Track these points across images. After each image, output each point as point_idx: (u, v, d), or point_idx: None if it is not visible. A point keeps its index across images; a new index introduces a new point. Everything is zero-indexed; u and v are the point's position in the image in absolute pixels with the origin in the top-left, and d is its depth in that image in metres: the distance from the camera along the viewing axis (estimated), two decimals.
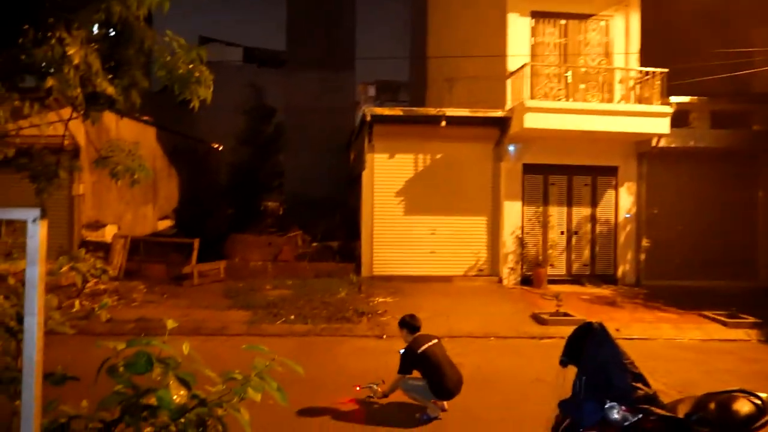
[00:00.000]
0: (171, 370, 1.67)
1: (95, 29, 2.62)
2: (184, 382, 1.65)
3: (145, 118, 17.92)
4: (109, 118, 13.70)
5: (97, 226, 12.49)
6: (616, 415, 2.88)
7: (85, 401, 1.90)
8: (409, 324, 5.54)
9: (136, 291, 11.03)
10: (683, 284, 12.27)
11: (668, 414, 2.96)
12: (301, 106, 31.89)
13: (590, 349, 3.06)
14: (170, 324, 2.02)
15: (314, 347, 7.80)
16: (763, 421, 3.21)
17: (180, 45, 2.53)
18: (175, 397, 1.62)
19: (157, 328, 8.92)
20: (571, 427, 3.00)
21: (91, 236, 12.38)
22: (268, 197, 24.24)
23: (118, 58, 2.87)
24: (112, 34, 2.70)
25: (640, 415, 2.90)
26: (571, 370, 3.19)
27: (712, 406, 3.21)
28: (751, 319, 9.24)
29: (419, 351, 5.22)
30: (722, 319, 9.31)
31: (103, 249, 12.16)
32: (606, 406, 2.89)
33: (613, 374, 2.96)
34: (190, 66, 2.48)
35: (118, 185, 13.85)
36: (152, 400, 1.78)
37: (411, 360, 5.23)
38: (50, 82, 2.28)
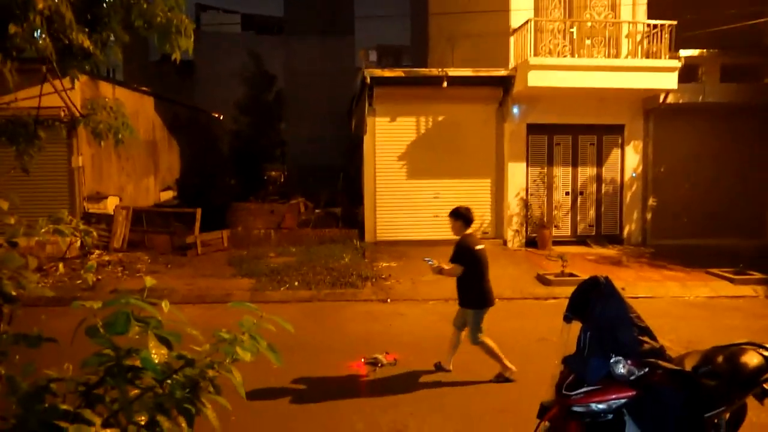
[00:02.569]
0: (151, 329, 1.58)
1: None
2: (164, 341, 1.57)
3: (144, 88, 17.67)
4: (105, 87, 13.50)
5: (99, 198, 12.43)
6: (621, 369, 2.80)
7: (67, 364, 1.83)
8: (465, 216, 5.31)
9: (140, 262, 11.03)
10: (690, 243, 12.14)
11: (675, 367, 2.88)
12: (302, 73, 31.40)
13: (596, 303, 2.97)
14: (149, 282, 1.91)
15: (319, 312, 7.79)
16: None
17: None
18: (154, 356, 1.53)
19: (161, 297, 8.92)
20: (577, 383, 2.93)
21: (93, 208, 12.32)
22: (271, 166, 24.05)
23: (95, 11, 2.70)
24: None
25: (647, 369, 2.83)
26: (576, 326, 3.11)
27: (720, 359, 3.14)
28: (758, 275, 9.18)
29: (475, 248, 5.12)
30: (729, 276, 9.24)
31: (105, 221, 12.13)
32: (611, 361, 2.82)
33: (619, 328, 2.87)
34: (169, 14, 2.32)
35: (118, 156, 13.67)
36: (137, 362, 1.71)
37: (465, 253, 5.10)
38: (13, 28, 2.14)
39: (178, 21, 2.36)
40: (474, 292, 5.08)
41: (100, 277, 9.85)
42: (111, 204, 12.60)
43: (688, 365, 3.05)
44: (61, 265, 8.78)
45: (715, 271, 9.56)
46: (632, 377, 2.81)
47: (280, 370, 5.37)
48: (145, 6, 2.28)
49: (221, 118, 24.15)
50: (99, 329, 1.68)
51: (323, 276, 9.35)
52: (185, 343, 1.92)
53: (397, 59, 39.48)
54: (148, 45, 49.95)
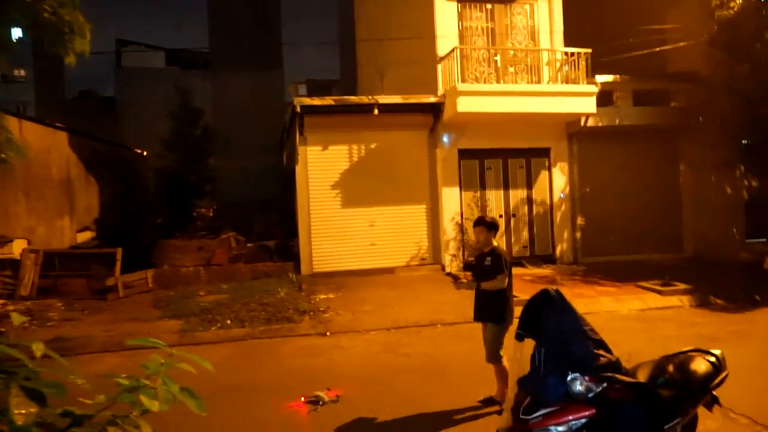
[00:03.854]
0: (17, 381, 1.22)
1: None
2: (35, 396, 1.21)
3: (58, 124, 16.52)
4: (10, 122, 12.43)
5: (3, 241, 11.28)
6: (579, 386, 2.65)
7: None
8: (494, 224, 5.09)
9: (52, 309, 10.01)
10: (618, 259, 12.63)
11: (633, 380, 2.77)
12: (230, 107, 30.72)
13: (548, 318, 2.82)
14: (16, 319, 1.55)
15: (254, 351, 7.29)
16: (721, 376, 3.11)
17: None
18: (17, 416, 1.17)
19: (76, 347, 8.09)
20: (534, 406, 2.74)
21: None
22: (200, 202, 23.12)
23: None
24: None
25: (605, 384, 2.69)
26: (529, 345, 2.95)
27: (671, 368, 3.07)
28: (683, 286, 9.60)
29: (509, 260, 4.91)
30: (657, 288, 9.60)
31: (11, 266, 11.00)
32: (569, 378, 2.65)
33: (574, 342, 2.73)
34: (60, 10, 1.99)
35: (26, 196, 12.54)
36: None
37: (506, 262, 4.81)
38: None
39: (72, 19, 2.04)
40: (504, 305, 4.79)
41: (2, 329, 8.80)
42: (17, 248, 11.48)
43: (642, 376, 2.96)
44: None
45: (644, 284, 9.91)
46: (591, 394, 2.66)
47: (212, 417, 4.87)
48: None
49: (145, 154, 23.03)
50: None
51: (258, 312, 8.83)
52: (79, 395, 1.56)
53: (326, 93, 39.67)
54: (64, 80, 47.59)
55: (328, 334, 7.97)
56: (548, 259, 12.79)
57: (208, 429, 4.64)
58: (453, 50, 11.43)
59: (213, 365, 6.18)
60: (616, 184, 13.19)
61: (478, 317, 5.01)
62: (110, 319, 9.15)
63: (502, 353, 4.80)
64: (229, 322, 8.42)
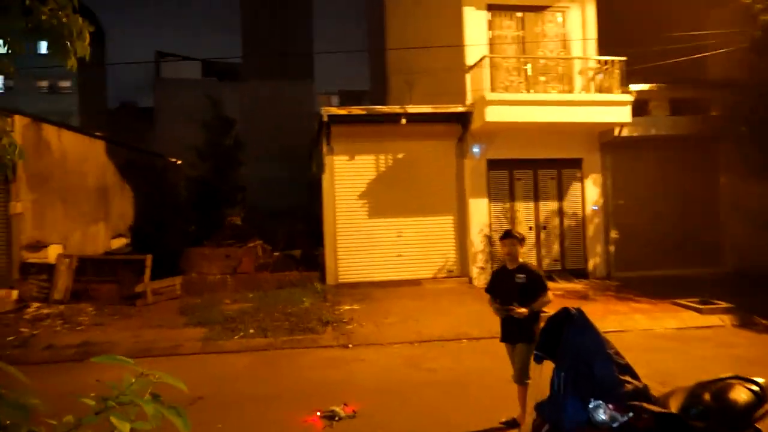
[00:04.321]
0: None
1: None
2: None
3: (98, 133, 17.01)
4: (49, 130, 12.87)
5: (39, 246, 11.60)
6: (602, 415, 2.45)
7: None
8: (524, 238, 4.85)
9: (83, 314, 10.21)
10: (654, 274, 12.13)
11: (663, 410, 2.54)
12: (262, 118, 31.25)
13: (569, 339, 2.63)
14: None
15: (275, 361, 7.22)
16: (764, 409, 2.84)
17: None
18: None
19: (101, 352, 8.20)
20: None
21: (33, 257, 11.48)
22: (231, 211, 23.44)
23: None
24: None
25: (631, 414, 2.48)
26: (549, 367, 2.76)
27: (707, 396, 2.82)
28: (724, 305, 9.11)
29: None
30: (696, 306, 9.15)
31: (47, 271, 11.29)
32: (590, 406, 2.46)
33: (597, 367, 2.53)
34: (59, 13, 1.96)
35: (63, 202, 12.92)
36: None
37: (544, 278, 4.61)
38: None
39: (72, 22, 2.00)
40: (538, 323, 4.44)
41: (35, 331, 9.02)
42: (53, 252, 11.78)
43: (674, 405, 2.72)
44: None
45: (682, 301, 9.46)
46: (615, 424, 2.45)
47: (225, 428, 4.81)
48: (27, 2, 1.92)
49: (179, 163, 23.53)
50: None
51: (281, 322, 8.79)
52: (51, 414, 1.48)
53: (358, 103, 39.99)
54: (106, 91, 49.34)
55: (350, 346, 7.85)
56: (580, 273, 12.39)
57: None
58: (482, 59, 11.26)
59: (233, 375, 6.16)
60: (651, 196, 12.72)
61: (509, 339, 4.64)
62: (137, 325, 9.26)
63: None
64: (252, 331, 8.40)
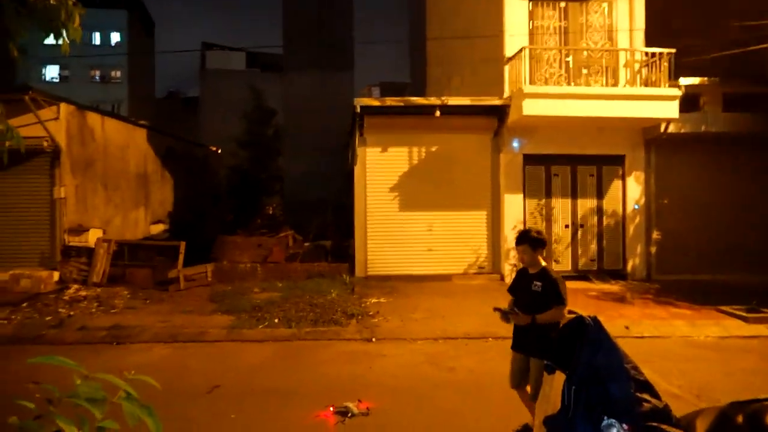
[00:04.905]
0: None
1: None
2: None
3: (142, 121, 17.48)
4: (92, 118, 13.26)
5: (80, 230, 11.99)
6: None
7: None
8: (540, 241, 4.17)
9: (118, 297, 10.51)
10: (697, 278, 11.54)
11: None
12: (302, 109, 31.47)
13: (582, 351, 2.42)
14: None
15: (296, 353, 7.19)
16: None
17: None
18: None
19: (131, 335, 8.39)
20: None
21: (74, 241, 11.88)
22: (268, 201, 23.74)
23: None
24: None
25: None
26: (560, 378, 2.56)
27: (741, 419, 2.54)
28: None
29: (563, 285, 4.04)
30: (741, 314, 8.60)
31: (86, 254, 11.67)
32: (603, 425, 2.25)
33: (612, 383, 2.31)
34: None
35: (105, 188, 13.31)
36: None
37: (565, 288, 4.00)
38: None
39: (63, 4, 1.94)
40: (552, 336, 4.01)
41: (72, 312, 9.31)
42: (93, 237, 12.16)
43: (701, 428, 2.46)
44: None
45: (726, 308, 8.92)
46: None
47: (238, 419, 4.79)
48: None
49: (219, 152, 23.96)
50: None
51: (306, 313, 8.77)
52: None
53: (399, 95, 39.77)
54: (155, 81, 50.84)
55: (373, 340, 7.75)
56: (617, 274, 11.90)
57: (236, 428, 4.56)
58: (521, 50, 10.89)
59: (253, 365, 6.08)
60: (698, 196, 12.07)
61: (520, 348, 4.20)
62: (168, 310, 9.44)
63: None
64: (276, 321, 8.42)
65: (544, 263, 4.17)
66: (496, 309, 4.09)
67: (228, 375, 6.12)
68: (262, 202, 21.50)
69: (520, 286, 4.24)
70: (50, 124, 11.63)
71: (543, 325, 3.93)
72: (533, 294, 4.05)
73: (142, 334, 7.98)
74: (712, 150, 12.03)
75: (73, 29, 2.05)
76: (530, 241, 4.15)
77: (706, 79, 11.58)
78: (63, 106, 12.02)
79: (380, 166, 11.97)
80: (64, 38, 2.07)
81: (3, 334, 8.05)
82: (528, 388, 4.15)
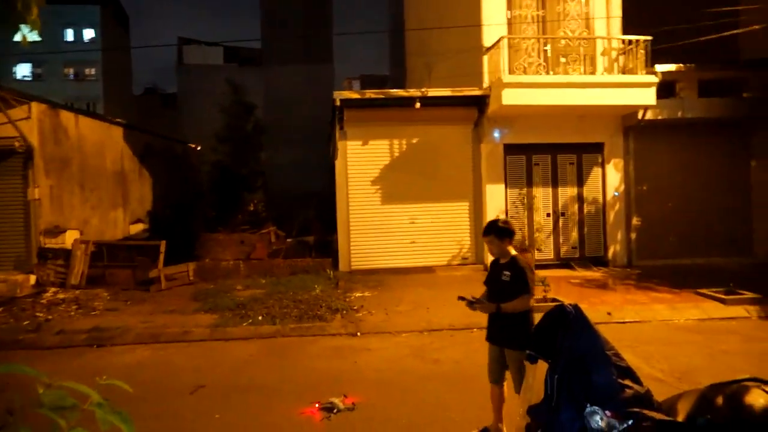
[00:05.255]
0: None
1: None
2: None
3: (119, 120, 17.14)
4: (66, 116, 12.96)
5: (56, 232, 11.73)
6: (599, 422, 2.24)
7: None
8: (508, 230, 4.11)
9: (98, 299, 10.31)
10: (677, 263, 11.72)
11: (666, 418, 2.31)
12: (281, 101, 31.18)
13: (564, 339, 2.42)
14: None
15: (281, 349, 7.13)
16: None
17: None
18: None
19: (112, 337, 8.24)
20: None
21: (50, 243, 11.63)
22: (250, 196, 23.49)
23: None
24: None
25: (630, 421, 2.26)
26: (543, 367, 2.55)
27: (720, 401, 2.57)
28: (750, 295, 8.69)
29: (533, 275, 3.97)
30: (720, 296, 8.75)
31: (63, 256, 11.43)
32: (586, 411, 2.25)
33: (594, 370, 2.31)
34: None
35: (81, 188, 13.03)
36: None
37: (532, 278, 3.90)
38: None
39: None
40: (529, 326, 3.76)
41: (50, 316, 9.12)
42: (70, 238, 11.92)
43: (682, 411, 2.48)
44: None
45: (705, 291, 9.07)
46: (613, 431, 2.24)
47: (223, 418, 4.73)
48: None
49: (199, 148, 23.64)
50: None
51: (290, 309, 8.70)
52: None
53: (380, 87, 39.60)
54: (131, 78, 49.90)
55: (358, 334, 7.73)
56: (599, 261, 12.03)
57: (217, 431, 4.50)
58: (499, 40, 10.88)
59: (237, 363, 6.01)
60: (676, 182, 12.23)
61: (493, 339, 4.12)
62: (150, 311, 9.30)
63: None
64: (260, 318, 8.34)
65: (514, 252, 4.11)
66: (460, 298, 4.01)
67: (213, 373, 6.04)
68: (244, 198, 21.27)
69: (492, 278, 4.19)
70: (22, 124, 11.34)
71: (510, 315, 3.86)
72: (503, 284, 3.99)
73: (124, 336, 7.85)
74: (690, 135, 12.18)
75: (32, 21, 1.96)
76: (496, 231, 4.10)
77: (682, 65, 11.70)
78: (34, 105, 11.73)
79: (361, 160, 11.90)
80: (22, 31, 1.98)
81: None
82: (506, 387, 4.10)
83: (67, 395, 1.37)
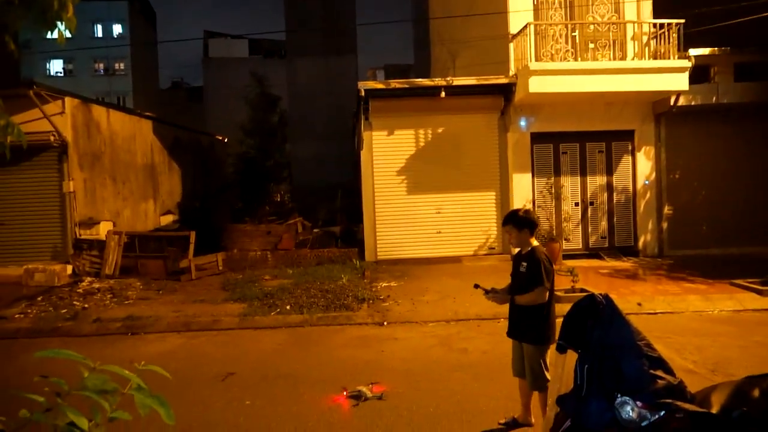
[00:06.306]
0: None
1: None
2: None
3: (148, 113, 17.47)
4: (98, 111, 13.27)
5: (90, 223, 12.07)
6: (630, 413, 2.21)
7: None
8: (531, 221, 4.04)
9: (131, 288, 10.59)
10: (710, 252, 11.42)
11: (700, 410, 2.28)
12: (305, 93, 31.30)
13: (594, 329, 2.39)
14: None
15: (308, 338, 7.24)
16: None
17: None
18: None
19: (145, 326, 8.48)
20: (574, 429, 2.34)
21: (85, 234, 11.97)
22: (276, 188, 23.75)
23: None
24: None
25: (663, 412, 2.22)
26: (572, 357, 2.54)
27: (757, 393, 2.51)
28: None
29: (551, 267, 3.86)
30: (756, 287, 8.51)
31: (98, 247, 11.76)
32: (616, 402, 2.23)
33: (624, 360, 2.28)
34: None
35: (113, 180, 13.37)
36: None
37: (551, 270, 3.81)
38: None
39: None
40: (546, 321, 3.82)
41: (86, 305, 9.41)
42: (104, 229, 12.24)
43: (716, 403, 2.44)
44: None
45: (740, 282, 8.83)
46: (644, 423, 2.21)
47: (253, 405, 4.83)
48: None
49: (225, 140, 23.96)
50: None
51: (317, 299, 8.80)
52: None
53: (404, 77, 39.42)
54: (158, 72, 50.78)
55: (384, 323, 7.77)
56: (629, 251, 11.81)
57: (247, 418, 4.60)
58: (526, 26, 10.70)
59: (266, 352, 6.13)
60: (710, 170, 11.89)
61: (512, 333, 4.11)
62: (180, 300, 9.52)
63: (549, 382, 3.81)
64: (288, 307, 8.46)
65: (535, 243, 4.02)
66: (476, 286, 3.98)
67: (242, 362, 6.17)
68: (270, 190, 21.52)
69: (514, 269, 4.15)
70: (56, 119, 11.65)
71: (526, 308, 3.81)
72: (520, 275, 3.95)
73: (156, 324, 8.06)
74: (724, 121, 11.81)
75: (67, 19, 2.02)
76: (515, 221, 4.03)
77: (716, 49, 11.32)
78: (68, 99, 12.03)
79: (387, 150, 11.89)
80: (59, 29, 2.03)
81: (20, 327, 8.16)
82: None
83: (109, 379, 1.43)
